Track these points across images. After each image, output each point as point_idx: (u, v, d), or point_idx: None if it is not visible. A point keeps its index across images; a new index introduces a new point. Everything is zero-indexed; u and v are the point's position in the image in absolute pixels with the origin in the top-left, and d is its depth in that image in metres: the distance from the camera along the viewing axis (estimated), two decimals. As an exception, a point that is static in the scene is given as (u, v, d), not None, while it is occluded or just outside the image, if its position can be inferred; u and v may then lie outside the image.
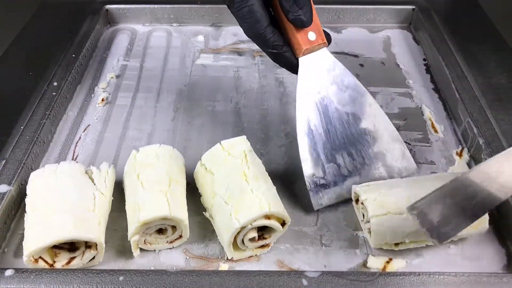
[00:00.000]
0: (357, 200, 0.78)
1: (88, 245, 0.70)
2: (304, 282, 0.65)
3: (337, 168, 0.80)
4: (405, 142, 0.93)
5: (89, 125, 0.99)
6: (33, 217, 0.71)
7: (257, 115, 1.02)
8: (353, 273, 0.68)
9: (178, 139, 0.96)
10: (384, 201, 0.72)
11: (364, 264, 0.72)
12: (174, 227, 0.73)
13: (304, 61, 0.79)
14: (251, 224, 0.69)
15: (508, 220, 0.77)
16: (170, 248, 0.75)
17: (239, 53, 1.21)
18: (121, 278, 0.65)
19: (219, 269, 0.71)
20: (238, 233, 0.70)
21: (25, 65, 1.08)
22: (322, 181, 0.79)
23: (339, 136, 0.80)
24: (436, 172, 0.88)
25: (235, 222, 0.69)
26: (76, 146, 0.94)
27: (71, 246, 0.70)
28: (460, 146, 0.88)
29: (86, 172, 0.79)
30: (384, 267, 0.71)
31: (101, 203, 0.74)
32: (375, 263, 0.72)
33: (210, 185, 0.76)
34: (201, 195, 0.79)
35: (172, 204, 0.71)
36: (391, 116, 1.00)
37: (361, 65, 1.17)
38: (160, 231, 0.73)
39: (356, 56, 1.20)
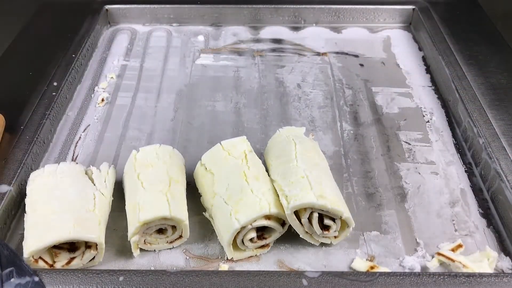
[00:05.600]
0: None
1: (88, 245, 0.70)
2: (304, 282, 0.65)
3: None
4: (405, 142, 0.94)
5: (89, 125, 0.99)
6: (33, 217, 0.71)
7: (257, 115, 1.02)
8: (353, 273, 0.68)
9: (178, 139, 0.96)
10: None
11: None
12: (174, 227, 0.73)
13: None
14: (251, 224, 0.69)
15: (508, 220, 0.78)
16: (170, 248, 0.75)
17: (239, 53, 1.21)
18: (121, 278, 0.65)
19: (219, 269, 0.71)
20: (238, 233, 0.70)
21: (25, 65, 1.08)
22: None
23: None
24: (437, 172, 0.88)
25: (235, 222, 0.69)
26: (76, 146, 0.94)
27: (71, 246, 0.70)
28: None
29: (86, 173, 0.79)
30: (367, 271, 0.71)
31: (101, 203, 0.74)
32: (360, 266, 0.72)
33: (210, 185, 0.76)
34: (201, 195, 0.79)
35: (172, 204, 0.71)
36: (391, 116, 1.01)
37: (361, 65, 1.17)
38: (160, 231, 0.73)
39: (356, 56, 1.20)
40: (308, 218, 0.71)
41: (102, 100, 1.05)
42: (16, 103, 0.96)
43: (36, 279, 0.63)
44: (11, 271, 0.63)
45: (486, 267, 0.70)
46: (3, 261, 0.63)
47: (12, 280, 0.62)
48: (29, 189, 0.76)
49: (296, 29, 1.29)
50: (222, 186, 0.74)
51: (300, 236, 0.73)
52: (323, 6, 1.29)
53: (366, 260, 0.73)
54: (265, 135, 0.96)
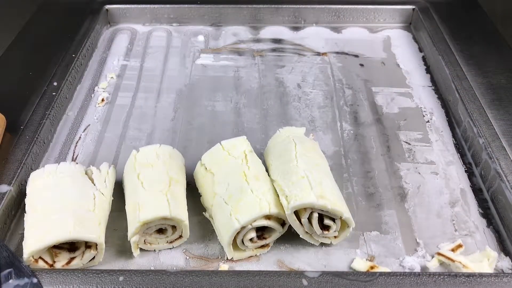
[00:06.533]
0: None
1: (88, 245, 0.70)
2: (304, 282, 0.65)
3: None
4: (405, 142, 0.94)
5: (89, 125, 0.99)
6: (33, 217, 0.71)
7: (257, 115, 1.02)
8: (353, 273, 0.68)
9: (178, 139, 0.96)
10: None
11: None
12: (174, 227, 0.73)
13: None
14: (251, 224, 0.69)
15: (508, 220, 0.78)
16: (170, 248, 0.75)
17: (239, 53, 1.21)
18: (121, 278, 0.65)
19: (219, 269, 0.71)
20: (238, 233, 0.70)
21: (25, 65, 1.08)
22: None
23: None
24: (436, 172, 0.88)
25: (235, 222, 0.69)
26: (76, 146, 0.94)
27: (71, 246, 0.70)
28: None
29: (86, 173, 0.79)
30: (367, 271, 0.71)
31: (101, 203, 0.74)
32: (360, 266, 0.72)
33: (210, 185, 0.76)
34: (201, 195, 0.79)
35: (172, 204, 0.71)
36: (391, 116, 1.01)
37: (361, 65, 1.17)
38: (160, 231, 0.73)
39: (356, 56, 1.20)
40: (308, 218, 0.71)
41: (102, 100, 1.05)
42: (16, 103, 0.96)
43: (35, 280, 0.63)
44: (9, 273, 0.63)
45: (486, 267, 0.70)
46: (1, 262, 0.63)
47: (10, 281, 0.62)
48: (29, 189, 0.76)
49: (296, 29, 1.29)
50: (222, 186, 0.74)
51: (300, 236, 0.73)
52: (323, 6, 1.29)
53: (366, 260, 0.73)
54: (265, 135, 0.96)
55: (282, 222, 0.73)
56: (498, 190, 0.81)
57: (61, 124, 0.99)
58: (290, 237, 0.75)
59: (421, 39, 1.23)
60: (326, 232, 0.72)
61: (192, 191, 0.80)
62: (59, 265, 0.69)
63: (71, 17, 1.24)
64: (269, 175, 0.77)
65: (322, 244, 0.75)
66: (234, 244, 0.72)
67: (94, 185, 0.76)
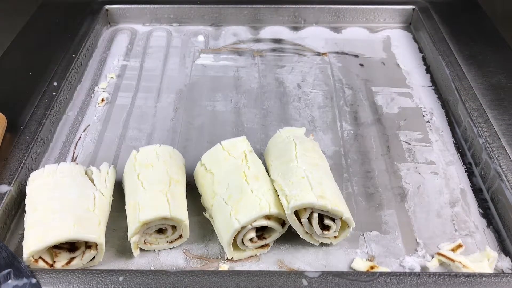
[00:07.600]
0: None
1: (88, 245, 0.70)
2: (304, 282, 0.65)
3: None
4: (405, 142, 0.94)
5: (89, 125, 0.99)
6: (33, 217, 0.71)
7: (257, 115, 1.02)
8: (353, 273, 0.68)
9: (178, 139, 0.96)
10: None
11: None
12: (174, 227, 0.73)
13: None
14: (251, 225, 0.69)
15: (508, 220, 0.78)
16: (170, 248, 0.75)
17: (239, 53, 1.21)
18: (121, 278, 0.65)
19: (219, 269, 0.71)
20: (238, 233, 0.70)
21: (25, 65, 1.08)
22: None
23: None
24: (436, 172, 0.88)
25: (235, 222, 0.69)
26: (76, 146, 0.94)
27: (71, 246, 0.70)
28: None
29: (86, 173, 0.79)
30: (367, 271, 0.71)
31: (101, 203, 0.74)
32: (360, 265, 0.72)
33: (210, 185, 0.76)
34: (201, 195, 0.79)
35: (172, 204, 0.71)
36: (391, 116, 1.01)
37: (361, 65, 1.17)
38: (160, 231, 0.73)
39: (356, 56, 1.20)
40: (308, 218, 0.71)
41: (102, 100, 1.05)
42: (16, 103, 0.96)
43: (34, 281, 0.63)
44: (8, 273, 0.63)
45: (486, 267, 0.70)
46: (1, 262, 0.63)
47: (9, 281, 0.62)
48: (29, 189, 0.76)
49: (296, 29, 1.30)
50: (222, 186, 0.74)
51: (300, 236, 0.73)
52: (323, 6, 1.29)
53: (366, 260, 0.73)
54: (265, 135, 0.96)
55: (282, 222, 0.73)
56: (498, 190, 0.81)
57: (61, 124, 0.99)
58: (290, 237, 0.75)
59: (421, 39, 1.23)
60: (326, 232, 0.72)
61: (192, 191, 0.80)
62: (59, 265, 0.69)
63: (71, 17, 1.24)
64: (269, 175, 0.77)
65: (322, 244, 0.75)
66: (234, 244, 0.72)
67: (94, 185, 0.76)
